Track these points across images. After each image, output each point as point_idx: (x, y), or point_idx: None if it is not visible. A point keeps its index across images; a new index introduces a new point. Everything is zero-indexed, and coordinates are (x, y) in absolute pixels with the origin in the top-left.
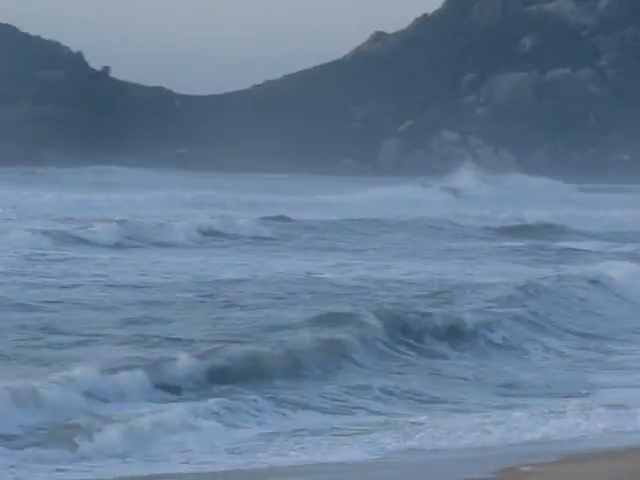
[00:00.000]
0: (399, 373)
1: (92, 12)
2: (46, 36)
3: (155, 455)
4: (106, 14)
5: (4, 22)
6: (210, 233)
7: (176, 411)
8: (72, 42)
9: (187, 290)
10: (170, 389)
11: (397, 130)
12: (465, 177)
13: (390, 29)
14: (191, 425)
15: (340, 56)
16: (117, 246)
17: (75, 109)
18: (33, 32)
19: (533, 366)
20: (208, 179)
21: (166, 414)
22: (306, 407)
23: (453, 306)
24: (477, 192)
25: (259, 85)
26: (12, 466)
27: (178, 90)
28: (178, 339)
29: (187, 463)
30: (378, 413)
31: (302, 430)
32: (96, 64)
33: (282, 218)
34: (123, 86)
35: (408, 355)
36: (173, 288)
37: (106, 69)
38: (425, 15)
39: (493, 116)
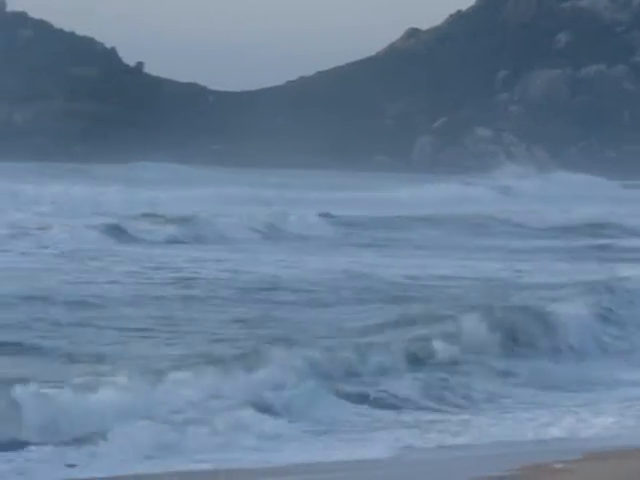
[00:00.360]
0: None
1: (126, 8)
2: (80, 32)
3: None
4: (140, 10)
5: (38, 18)
6: (263, 230)
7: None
8: (106, 38)
9: (242, 288)
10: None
11: (431, 127)
12: (508, 174)
13: (424, 26)
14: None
15: (374, 53)
16: (169, 242)
17: (109, 105)
18: (67, 28)
19: (578, 362)
20: (243, 175)
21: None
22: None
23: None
24: (523, 189)
25: (293, 81)
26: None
27: (212, 86)
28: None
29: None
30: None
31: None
32: (130, 60)
33: (328, 215)
34: (157, 82)
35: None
36: (227, 285)
37: (140, 65)
38: (459, 12)
39: (527, 113)
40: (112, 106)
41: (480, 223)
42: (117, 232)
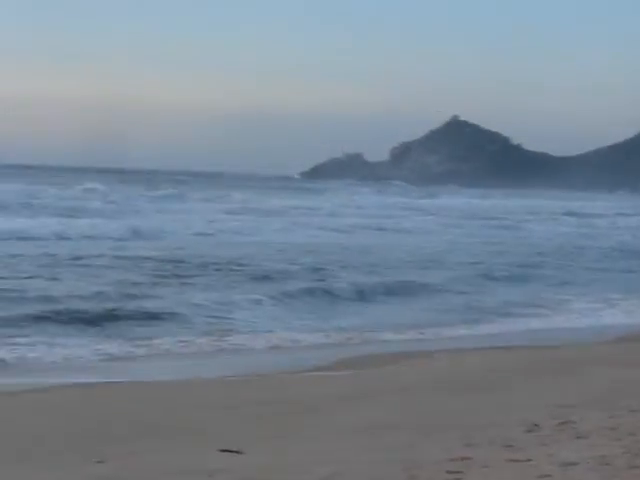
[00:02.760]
0: None
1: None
2: (493, 129)
3: None
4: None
5: (472, 122)
6: None
7: None
8: (501, 128)
9: None
10: None
11: None
12: None
13: None
14: None
15: None
16: None
17: (503, 170)
18: (485, 126)
19: None
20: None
21: None
22: None
23: None
24: None
25: (618, 143)
26: None
27: (555, 153)
28: None
29: None
30: None
31: None
32: (515, 140)
33: None
34: (530, 154)
35: None
36: None
37: (519, 144)
38: None
39: None
40: (505, 171)
41: None
42: None
